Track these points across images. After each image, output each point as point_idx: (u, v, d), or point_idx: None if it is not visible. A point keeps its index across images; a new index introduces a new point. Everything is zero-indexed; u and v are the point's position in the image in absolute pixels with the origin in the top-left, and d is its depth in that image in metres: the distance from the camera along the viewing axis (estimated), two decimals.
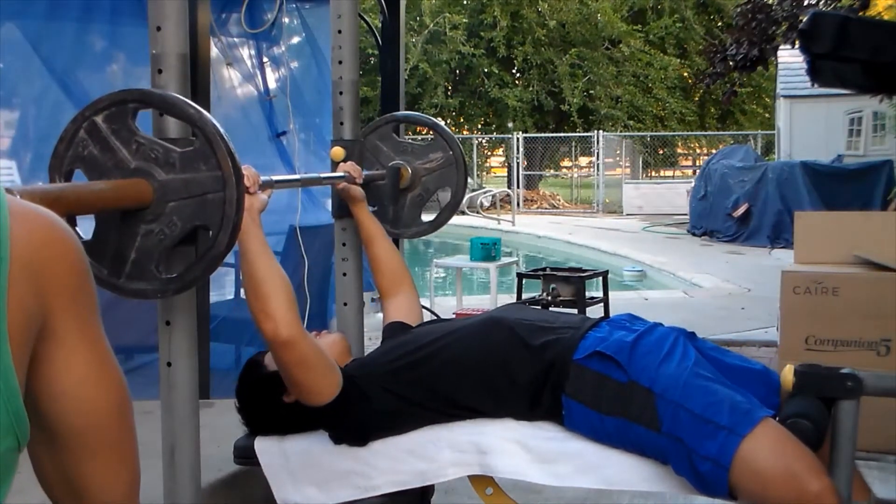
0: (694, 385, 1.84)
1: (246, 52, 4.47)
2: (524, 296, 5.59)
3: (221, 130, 1.46)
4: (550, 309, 5.18)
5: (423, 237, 2.93)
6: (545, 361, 1.96)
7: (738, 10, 7.62)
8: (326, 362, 1.93)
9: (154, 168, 1.46)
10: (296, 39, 4.78)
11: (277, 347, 1.85)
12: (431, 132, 2.76)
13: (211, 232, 1.47)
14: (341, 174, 2.38)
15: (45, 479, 0.79)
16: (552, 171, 22.27)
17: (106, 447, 0.79)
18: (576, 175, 21.20)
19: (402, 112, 2.88)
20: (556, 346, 1.97)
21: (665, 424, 1.81)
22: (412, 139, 2.87)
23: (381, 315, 2.46)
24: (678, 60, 21.04)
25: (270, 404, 2.06)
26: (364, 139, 2.65)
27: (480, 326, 2.09)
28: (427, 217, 2.76)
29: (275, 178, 2.03)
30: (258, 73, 4.50)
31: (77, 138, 1.49)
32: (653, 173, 23.05)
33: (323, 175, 2.51)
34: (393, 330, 2.28)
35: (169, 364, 1.65)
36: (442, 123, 2.81)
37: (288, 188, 2.33)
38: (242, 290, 4.79)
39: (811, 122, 14.52)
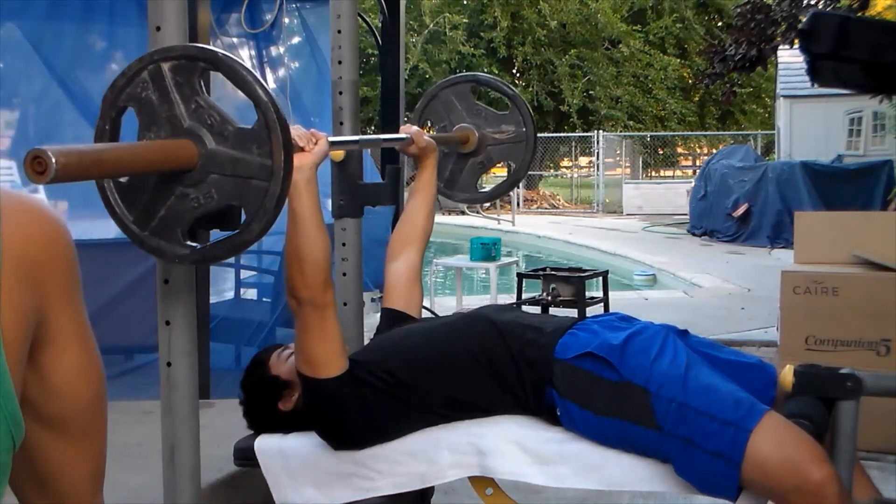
0: (693, 382, 1.83)
1: (246, 52, 4.48)
2: (524, 296, 5.59)
3: (284, 120, 1.40)
4: (550, 309, 5.19)
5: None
6: (526, 360, 1.96)
7: (738, 10, 7.61)
8: (340, 342, 1.95)
9: (206, 134, 1.40)
10: (296, 39, 4.79)
11: (307, 308, 1.86)
12: (508, 102, 2.68)
13: (245, 217, 1.42)
14: (404, 136, 2.35)
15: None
16: (552, 171, 22.26)
17: (82, 436, 0.77)
18: (576, 175, 21.20)
19: (486, 75, 2.83)
20: (535, 345, 1.97)
21: (668, 424, 1.80)
22: (486, 106, 2.72)
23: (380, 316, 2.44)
24: (678, 61, 21.02)
25: (267, 408, 2.10)
26: (440, 92, 2.65)
27: (459, 324, 2.11)
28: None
29: (332, 138, 1.98)
30: (258, 73, 4.51)
31: (139, 78, 1.43)
32: (653, 173, 23.04)
33: (383, 136, 2.45)
34: (389, 320, 2.28)
35: (169, 364, 1.65)
36: (523, 98, 2.69)
37: (344, 150, 2.27)
38: (243, 290, 4.81)
39: (811, 122, 14.52)
